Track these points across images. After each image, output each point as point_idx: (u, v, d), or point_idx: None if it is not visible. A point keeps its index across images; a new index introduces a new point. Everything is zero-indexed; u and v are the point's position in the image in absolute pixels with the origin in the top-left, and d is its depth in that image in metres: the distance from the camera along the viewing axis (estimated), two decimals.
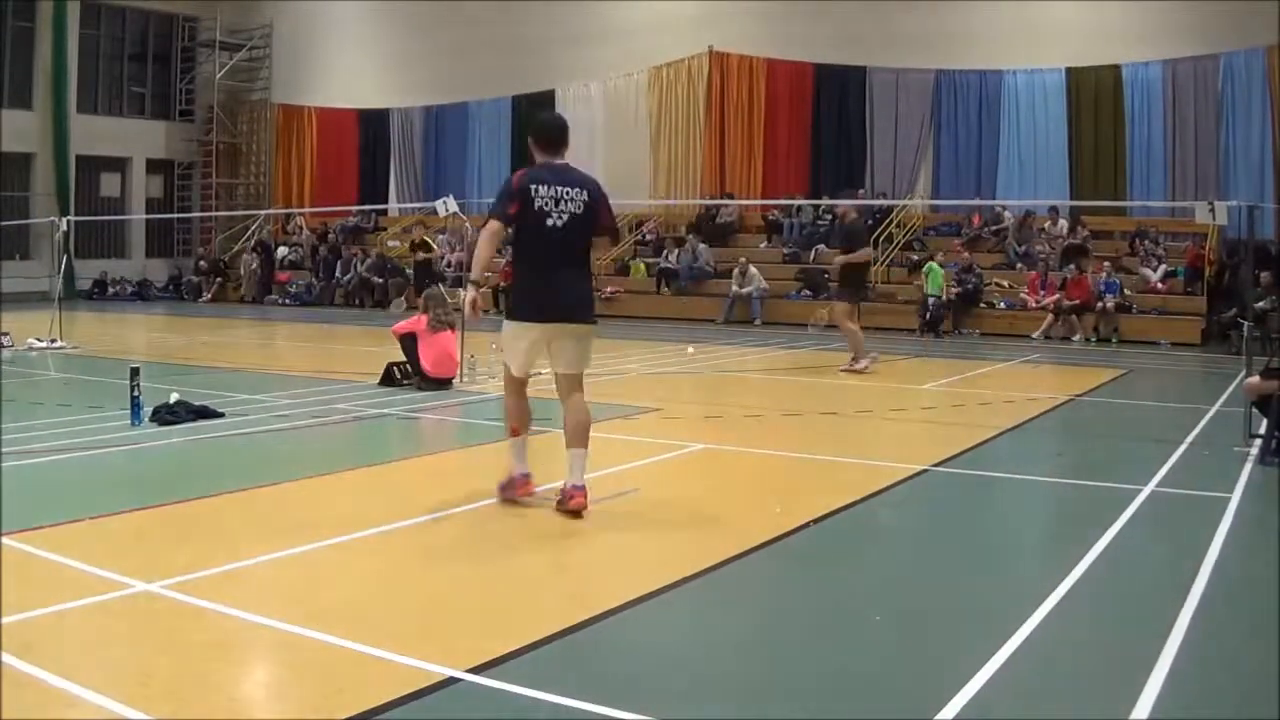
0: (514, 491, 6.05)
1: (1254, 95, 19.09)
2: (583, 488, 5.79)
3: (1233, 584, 4.83)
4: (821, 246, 21.93)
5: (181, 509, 5.87)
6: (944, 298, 18.42)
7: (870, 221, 21.55)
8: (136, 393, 8.46)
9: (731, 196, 23.10)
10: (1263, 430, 7.60)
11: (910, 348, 16.13)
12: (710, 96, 23.86)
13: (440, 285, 16.62)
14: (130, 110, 29.96)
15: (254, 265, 26.90)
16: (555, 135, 6.00)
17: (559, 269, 5.82)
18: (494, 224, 5.76)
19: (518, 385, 6.15)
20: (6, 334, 14.79)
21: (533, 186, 5.74)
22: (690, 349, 13.11)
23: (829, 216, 22.43)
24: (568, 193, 5.77)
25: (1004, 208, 21.06)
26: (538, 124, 6.19)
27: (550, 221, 5.72)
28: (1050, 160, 20.91)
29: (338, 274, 25.53)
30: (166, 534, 5.42)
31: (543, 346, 5.95)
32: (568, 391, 6.02)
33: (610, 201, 6.05)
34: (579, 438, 5.89)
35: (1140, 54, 19.87)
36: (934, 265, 18.51)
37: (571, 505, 5.76)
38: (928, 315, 18.25)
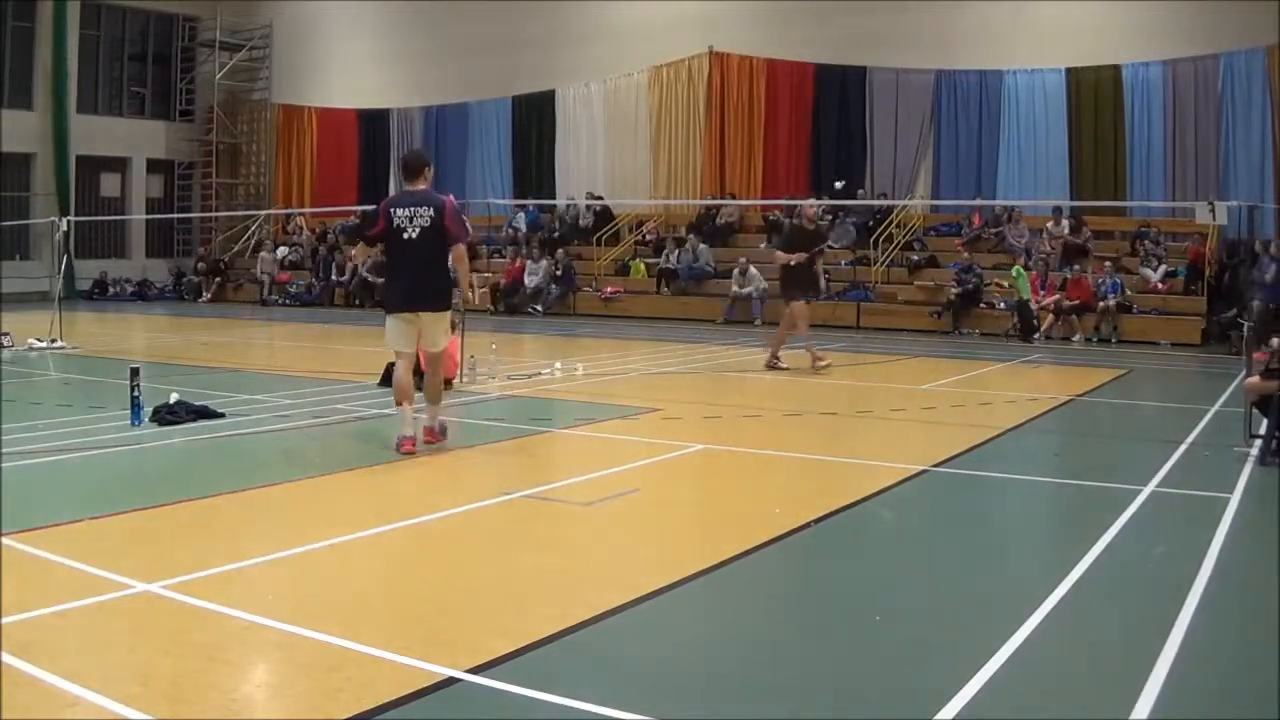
0: (401, 448, 7.47)
1: (1254, 95, 19.05)
2: (431, 428, 7.74)
3: (1233, 584, 4.83)
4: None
5: (181, 509, 5.88)
6: (1031, 301, 17.98)
7: (870, 223, 21.61)
8: (136, 393, 8.46)
9: (732, 196, 23.09)
10: (1263, 430, 7.60)
11: (915, 347, 16.12)
12: (710, 96, 23.85)
13: None
14: (130, 110, 29.95)
15: (271, 267, 26.50)
16: (412, 168, 7.72)
17: (415, 269, 7.51)
18: (361, 245, 7.97)
19: (404, 361, 7.74)
20: (7, 334, 14.80)
21: (392, 209, 7.55)
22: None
23: (829, 216, 22.44)
24: (419, 211, 7.46)
25: (1004, 208, 21.05)
26: (402, 160, 8.11)
27: (406, 235, 7.44)
28: (1050, 160, 20.87)
29: (333, 275, 25.53)
30: (166, 534, 5.42)
31: (414, 329, 7.58)
32: (428, 363, 7.86)
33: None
34: (432, 398, 7.84)
35: (1140, 54, 19.84)
36: (1020, 269, 18.19)
37: (425, 439, 7.66)
38: (1017, 321, 17.84)
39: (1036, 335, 17.67)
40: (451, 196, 7.85)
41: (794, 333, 12.89)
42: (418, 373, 8.00)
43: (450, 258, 7.70)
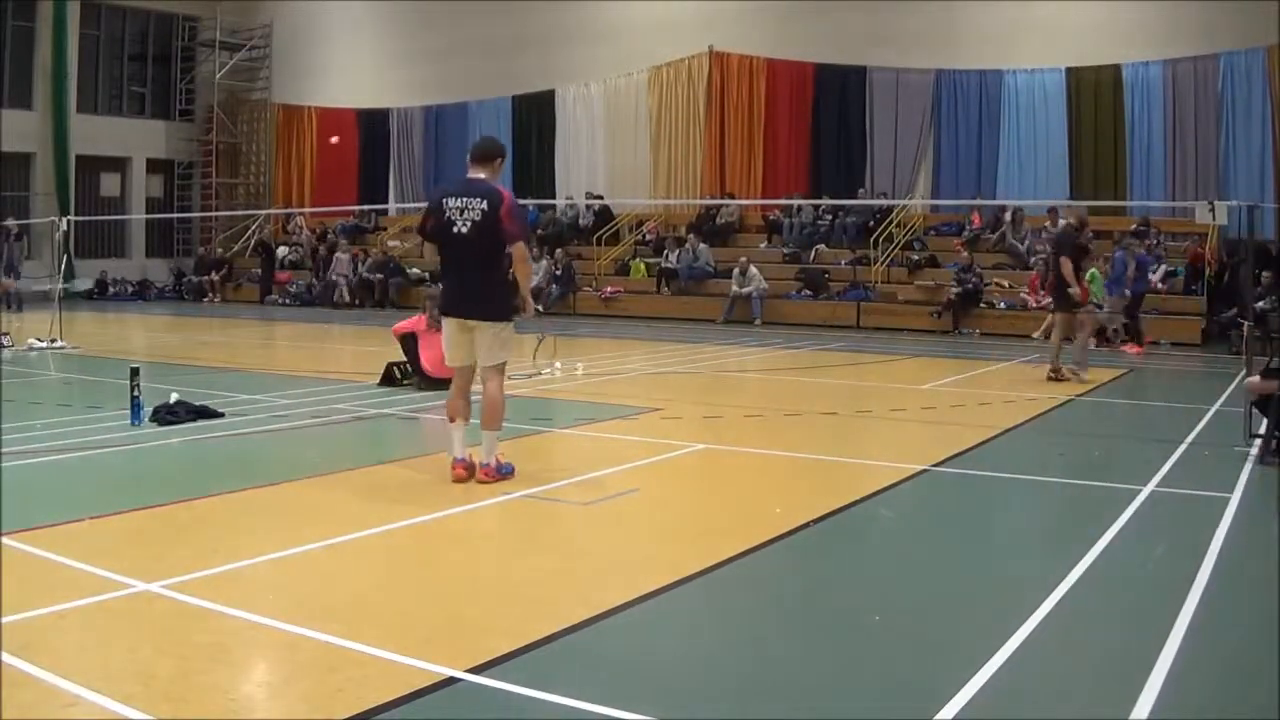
0: (453, 470, 6.67)
1: (1254, 95, 19.06)
2: (486, 465, 6.61)
3: (1233, 584, 4.83)
4: (822, 246, 21.94)
5: (181, 509, 5.87)
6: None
7: (870, 223, 21.60)
8: (136, 393, 8.46)
9: (732, 196, 23.09)
10: (1263, 430, 7.60)
11: (915, 347, 16.12)
12: (710, 96, 23.86)
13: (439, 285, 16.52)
14: (130, 110, 29.95)
15: (346, 268, 25.33)
16: (477, 154, 6.81)
17: (466, 270, 6.65)
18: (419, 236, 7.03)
19: (456, 376, 6.92)
20: (6, 334, 14.81)
21: (444, 200, 6.66)
22: None
23: (829, 216, 22.44)
24: (470, 203, 6.55)
25: (1004, 208, 21.04)
26: (472, 144, 7.03)
27: (456, 229, 6.55)
28: (1050, 160, 20.87)
29: (334, 274, 25.50)
30: (166, 534, 5.42)
31: (464, 338, 6.71)
32: (485, 379, 6.81)
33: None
34: (488, 421, 6.70)
35: (1140, 54, 19.84)
36: (1095, 272, 17.98)
37: (479, 478, 6.58)
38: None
39: (1106, 337, 17.24)
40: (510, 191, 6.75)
41: (1051, 342, 12.26)
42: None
43: (512, 259, 6.68)
